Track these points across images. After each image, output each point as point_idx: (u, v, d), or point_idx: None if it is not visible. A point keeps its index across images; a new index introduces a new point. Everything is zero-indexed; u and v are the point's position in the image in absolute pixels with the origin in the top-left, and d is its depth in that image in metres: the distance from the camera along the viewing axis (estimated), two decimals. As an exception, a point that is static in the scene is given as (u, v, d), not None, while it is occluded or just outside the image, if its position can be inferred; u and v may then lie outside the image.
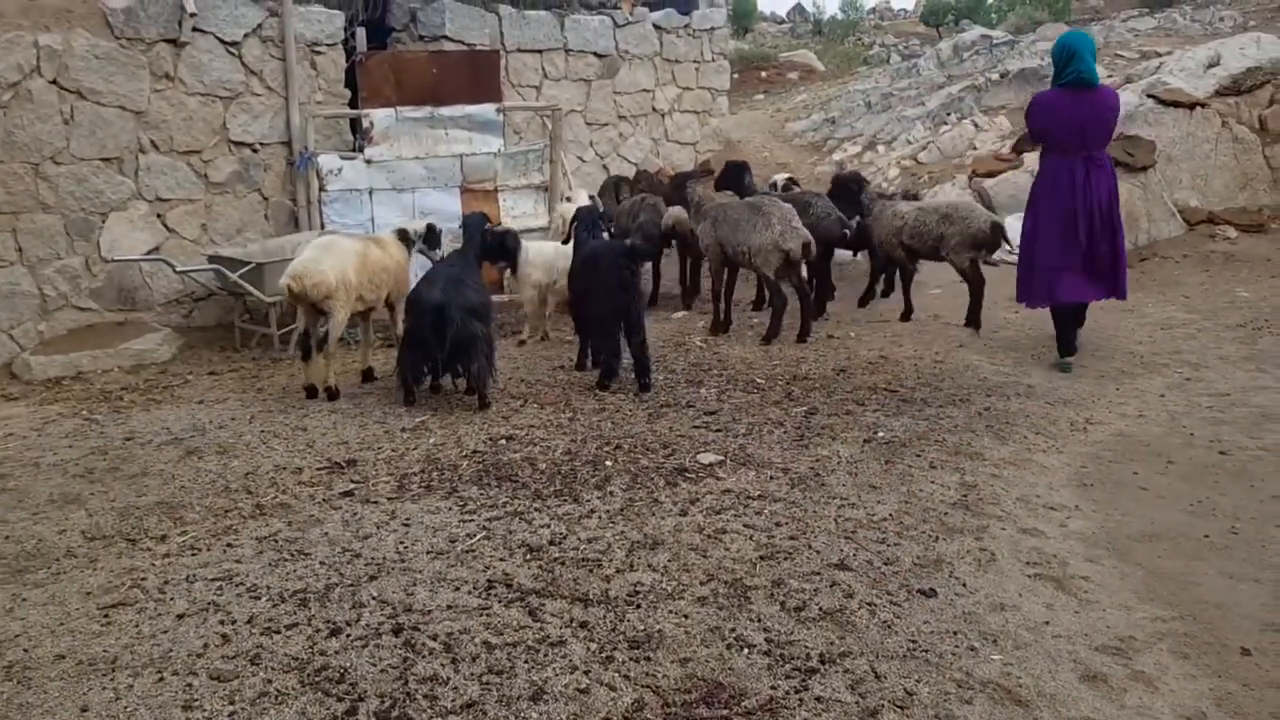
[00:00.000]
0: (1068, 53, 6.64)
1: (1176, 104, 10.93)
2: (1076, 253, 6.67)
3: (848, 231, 8.13)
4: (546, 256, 7.68)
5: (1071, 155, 6.64)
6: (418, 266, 7.94)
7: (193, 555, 4.08)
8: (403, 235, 6.93)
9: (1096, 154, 6.68)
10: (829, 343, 7.51)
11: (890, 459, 5.04)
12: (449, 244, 8.56)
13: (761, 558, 3.94)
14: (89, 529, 4.40)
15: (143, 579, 3.86)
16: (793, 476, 4.80)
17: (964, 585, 3.73)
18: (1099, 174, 6.67)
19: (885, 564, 3.89)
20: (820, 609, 3.54)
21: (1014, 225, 10.08)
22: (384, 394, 6.49)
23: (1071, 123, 6.60)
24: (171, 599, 3.69)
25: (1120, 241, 6.81)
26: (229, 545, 4.16)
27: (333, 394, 6.38)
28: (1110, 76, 12.89)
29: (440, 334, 5.83)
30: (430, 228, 7.07)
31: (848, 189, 8.59)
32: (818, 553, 3.98)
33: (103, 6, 7.76)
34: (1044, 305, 6.94)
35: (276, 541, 4.18)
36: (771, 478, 4.79)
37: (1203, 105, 11.01)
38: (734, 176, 8.67)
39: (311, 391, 6.41)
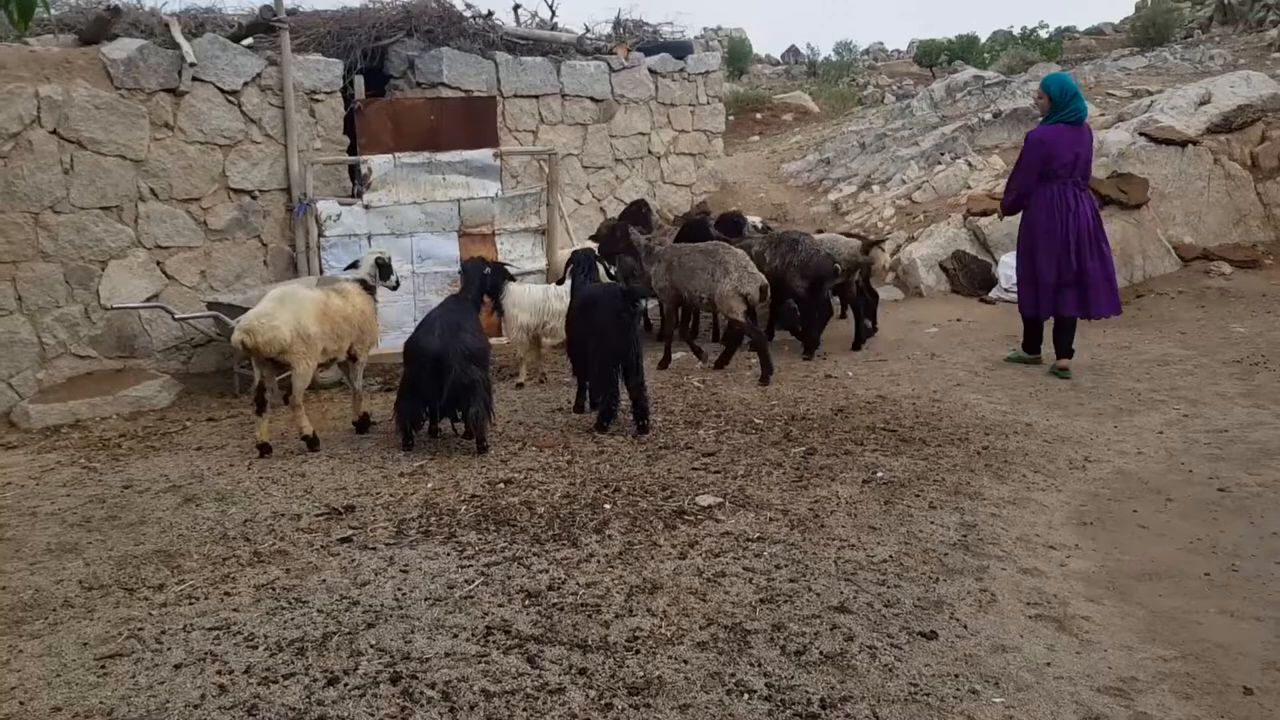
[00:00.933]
0: (1070, 91, 7.50)
1: (1169, 142, 11.03)
2: (1070, 270, 7.39)
3: (839, 268, 8.22)
4: (534, 298, 7.73)
5: (1064, 183, 7.43)
6: (417, 309, 8.07)
7: (190, 604, 4.06)
8: (364, 284, 6.71)
9: (1082, 181, 7.55)
10: (827, 382, 7.52)
11: (889, 499, 5.03)
12: (448, 288, 8.62)
13: (761, 601, 3.92)
14: (86, 579, 4.38)
15: (140, 629, 3.84)
16: (792, 518, 4.79)
17: (965, 627, 3.72)
18: (1084, 198, 7.51)
19: (885, 606, 3.88)
20: (821, 653, 3.52)
21: (1008, 262, 10.16)
22: (382, 439, 6.49)
23: (1069, 154, 7.39)
24: (169, 649, 3.67)
25: (1110, 258, 7.59)
26: (226, 594, 4.15)
27: (312, 443, 6.23)
28: (1103, 115, 13.01)
29: (438, 380, 5.85)
30: (377, 261, 6.82)
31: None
32: (818, 595, 3.97)
33: (103, 58, 7.86)
34: (1049, 316, 7.65)
35: (274, 589, 4.16)
36: (771, 519, 4.78)
37: (1194, 143, 11.11)
38: (699, 232, 8.66)
39: (264, 449, 6.18)
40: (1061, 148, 7.37)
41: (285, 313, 5.97)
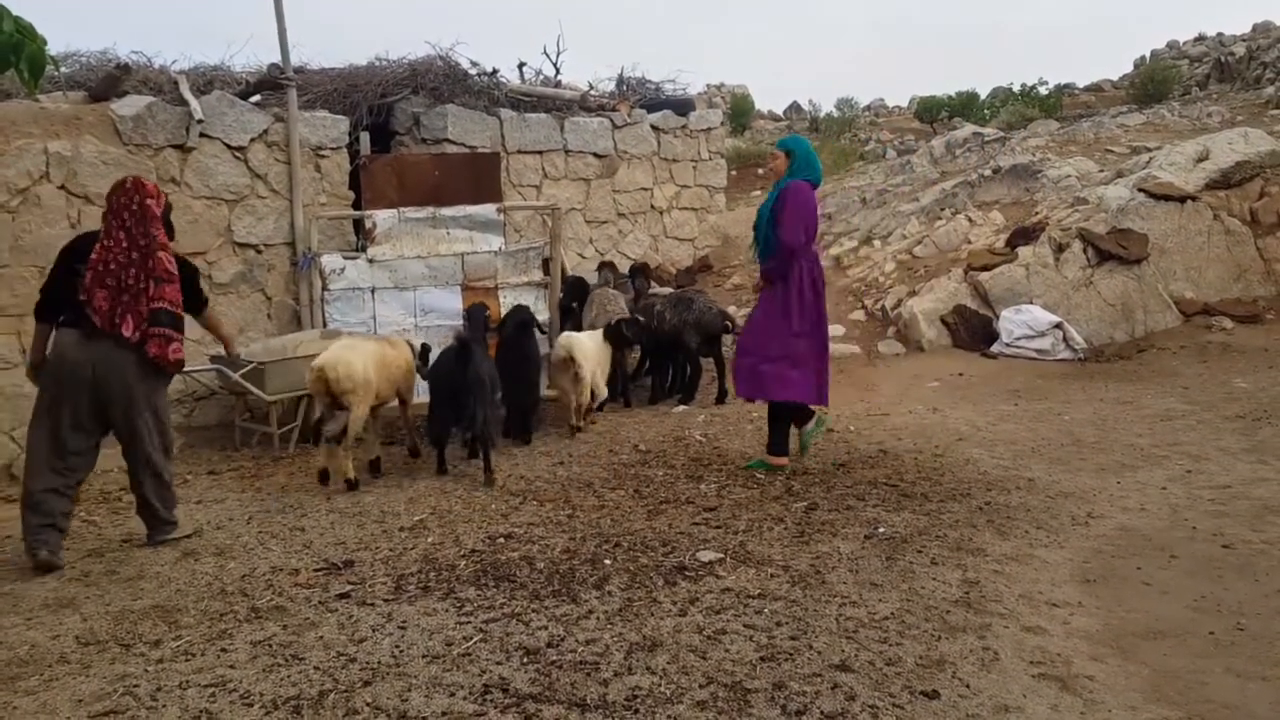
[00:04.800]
0: (810, 149, 6.63)
1: (1168, 197, 11.12)
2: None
3: (729, 324, 9.19)
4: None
5: (810, 250, 6.59)
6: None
7: (186, 661, 4.02)
8: (413, 347, 7.45)
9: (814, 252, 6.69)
10: (828, 436, 7.50)
11: (891, 555, 5.00)
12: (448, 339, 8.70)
13: (762, 659, 3.89)
14: (83, 634, 4.35)
15: (135, 686, 3.80)
16: (793, 574, 4.76)
17: (967, 686, 3.67)
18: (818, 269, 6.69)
19: (887, 664, 3.84)
20: (822, 712, 3.47)
21: (1009, 316, 10.19)
22: (383, 493, 6.47)
23: (817, 217, 6.71)
24: (164, 707, 3.63)
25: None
26: (223, 650, 4.11)
27: (352, 485, 6.56)
28: (1101, 170, 13.12)
29: (461, 395, 6.54)
30: (424, 347, 7.57)
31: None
32: (819, 653, 3.93)
33: (112, 114, 7.97)
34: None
35: (271, 646, 4.13)
36: (772, 575, 4.75)
37: (1194, 198, 11.20)
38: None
39: (324, 476, 6.52)
40: (815, 208, 6.54)
41: (357, 356, 6.55)
